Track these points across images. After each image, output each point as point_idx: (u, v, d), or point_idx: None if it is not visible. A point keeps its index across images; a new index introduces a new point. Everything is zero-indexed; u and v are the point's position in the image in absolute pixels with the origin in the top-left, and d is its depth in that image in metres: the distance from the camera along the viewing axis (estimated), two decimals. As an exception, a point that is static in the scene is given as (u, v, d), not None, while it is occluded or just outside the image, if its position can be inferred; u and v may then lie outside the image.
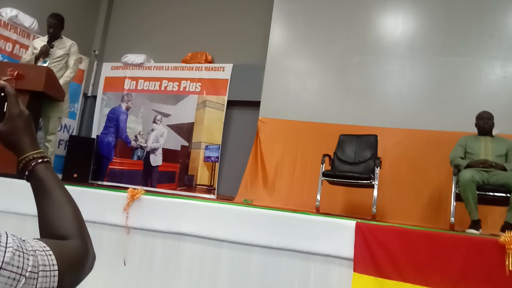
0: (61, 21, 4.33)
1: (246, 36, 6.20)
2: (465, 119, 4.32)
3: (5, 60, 5.27)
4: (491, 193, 3.46)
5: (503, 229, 3.45)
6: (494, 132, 3.87)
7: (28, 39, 5.62)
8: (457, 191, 3.57)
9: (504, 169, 3.51)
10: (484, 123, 3.83)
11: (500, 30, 4.88)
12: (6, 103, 0.78)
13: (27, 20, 5.60)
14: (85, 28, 6.85)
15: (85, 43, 6.67)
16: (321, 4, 5.64)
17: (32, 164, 0.78)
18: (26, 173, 0.78)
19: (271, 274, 2.63)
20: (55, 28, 4.27)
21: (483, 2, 4.95)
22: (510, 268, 2.23)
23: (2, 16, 5.35)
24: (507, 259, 2.25)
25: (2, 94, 0.78)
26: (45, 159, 0.80)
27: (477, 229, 3.40)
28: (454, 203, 3.63)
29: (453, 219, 3.61)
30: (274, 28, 5.78)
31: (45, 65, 4.09)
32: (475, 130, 3.97)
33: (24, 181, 0.79)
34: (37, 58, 4.17)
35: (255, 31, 6.11)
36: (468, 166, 3.61)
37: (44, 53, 4.17)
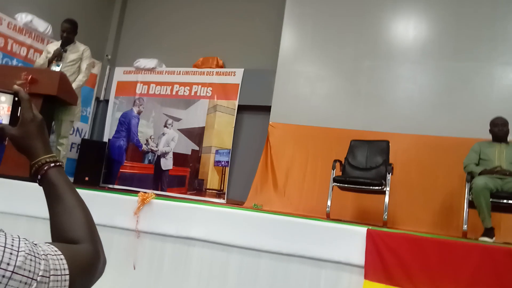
0: (74, 26, 4.39)
1: (257, 41, 6.21)
2: (476, 124, 4.26)
3: (19, 65, 5.35)
4: (505, 201, 3.41)
5: (517, 237, 3.40)
6: (509, 138, 3.80)
7: (43, 43, 5.70)
8: (470, 198, 3.52)
9: (518, 176, 3.45)
10: (499, 130, 3.76)
11: (513, 35, 4.82)
12: (19, 108, 0.79)
13: (41, 25, 5.68)
14: (97, 33, 6.93)
15: (98, 48, 6.75)
16: (332, 8, 5.63)
17: (45, 168, 0.78)
18: (39, 177, 0.79)
19: (280, 280, 2.62)
20: (68, 32, 4.34)
21: (495, 7, 4.90)
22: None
23: (17, 21, 5.44)
24: (522, 268, 2.21)
25: (16, 99, 0.79)
26: (58, 163, 0.80)
27: (491, 237, 3.35)
28: (467, 210, 3.58)
29: (465, 226, 3.56)
30: (285, 32, 5.77)
31: (58, 69, 4.15)
32: (487, 136, 3.91)
33: (35, 184, 0.80)
34: (50, 62, 4.24)
35: (266, 36, 6.12)
36: (482, 174, 3.55)
37: (57, 56, 4.23)
